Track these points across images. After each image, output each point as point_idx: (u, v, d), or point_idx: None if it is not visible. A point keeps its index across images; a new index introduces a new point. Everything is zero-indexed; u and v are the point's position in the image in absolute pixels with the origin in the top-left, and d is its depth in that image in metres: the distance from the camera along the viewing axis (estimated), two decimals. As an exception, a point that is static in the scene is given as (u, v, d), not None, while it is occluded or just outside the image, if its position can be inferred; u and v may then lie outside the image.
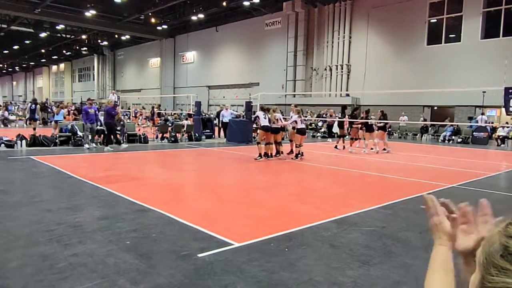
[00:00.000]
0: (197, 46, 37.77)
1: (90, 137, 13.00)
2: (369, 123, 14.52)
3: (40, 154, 10.91)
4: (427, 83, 20.56)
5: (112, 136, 12.83)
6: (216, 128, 19.51)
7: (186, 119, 18.68)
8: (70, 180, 7.49)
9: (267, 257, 3.79)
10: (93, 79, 52.47)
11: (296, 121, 11.25)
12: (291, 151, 11.94)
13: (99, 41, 45.28)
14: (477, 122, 19.50)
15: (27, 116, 16.16)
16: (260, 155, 11.17)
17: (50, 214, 5.09)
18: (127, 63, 48.30)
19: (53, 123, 16.23)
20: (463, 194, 7.24)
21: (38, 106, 17.76)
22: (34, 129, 14.76)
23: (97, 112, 13.70)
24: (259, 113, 11.74)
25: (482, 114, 19.69)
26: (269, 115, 11.19)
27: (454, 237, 0.88)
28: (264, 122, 11.26)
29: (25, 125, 21.46)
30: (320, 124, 22.83)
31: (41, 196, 6.19)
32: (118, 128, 14.67)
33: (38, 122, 17.65)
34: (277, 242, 4.23)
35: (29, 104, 17.38)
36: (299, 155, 11.29)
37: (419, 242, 4.41)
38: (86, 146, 12.68)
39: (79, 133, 13.37)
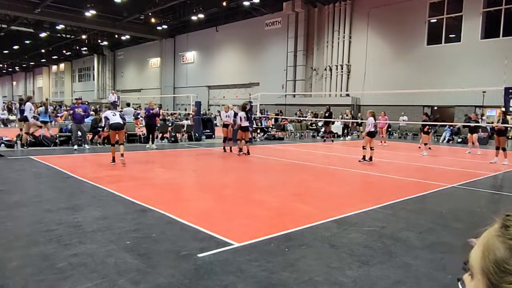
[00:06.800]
0: (197, 46, 37.76)
1: (81, 138, 12.55)
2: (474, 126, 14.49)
3: (40, 154, 10.92)
4: (427, 83, 20.55)
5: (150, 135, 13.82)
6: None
7: (186, 119, 18.69)
8: (70, 180, 7.49)
9: (267, 257, 3.78)
10: (93, 79, 52.46)
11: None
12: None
13: (99, 41, 45.31)
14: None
15: (17, 116, 15.70)
16: (240, 150, 12.66)
17: (50, 214, 5.09)
18: (127, 63, 48.29)
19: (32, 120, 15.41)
20: (463, 194, 7.25)
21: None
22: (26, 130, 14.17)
23: (87, 112, 13.29)
24: (242, 114, 12.56)
25: (482, 115, 19.63)
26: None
27: None
28: (245, 123, 12.46)
29: (16, 125, 20.93)
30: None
31: (41, 196, 6.18)
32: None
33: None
34: (277, 242, 4.23)
35: (17, 103, 16.84)
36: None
37: (419, 242, 4.41)
38: (75, 147, 12.21)
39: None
